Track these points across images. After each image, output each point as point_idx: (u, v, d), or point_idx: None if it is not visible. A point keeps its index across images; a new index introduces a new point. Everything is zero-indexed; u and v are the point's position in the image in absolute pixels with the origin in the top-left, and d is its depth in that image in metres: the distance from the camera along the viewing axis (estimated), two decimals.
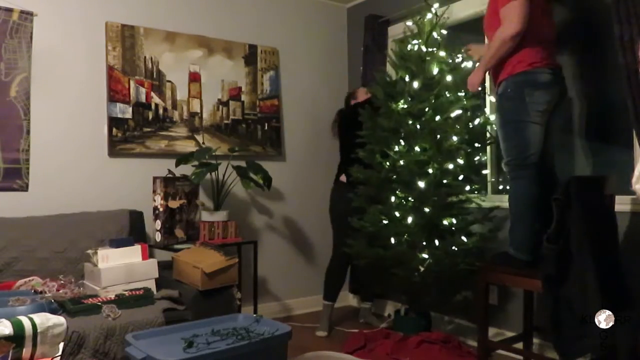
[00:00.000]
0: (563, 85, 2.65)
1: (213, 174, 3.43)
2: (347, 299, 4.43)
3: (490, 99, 3.45)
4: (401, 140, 3.21)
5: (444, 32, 3.34)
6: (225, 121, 3.90)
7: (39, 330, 1.95)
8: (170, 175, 3.38)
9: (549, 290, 2.27)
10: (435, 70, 3.23)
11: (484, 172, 3.41)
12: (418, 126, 3.18)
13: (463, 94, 3.17)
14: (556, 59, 2.69)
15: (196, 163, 3.37)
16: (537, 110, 2.52)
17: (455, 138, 3.11)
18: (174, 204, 3.29)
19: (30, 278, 2.66)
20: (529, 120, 2.53)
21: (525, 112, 2.53)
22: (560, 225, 2.24)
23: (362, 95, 3.75)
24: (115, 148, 3.40)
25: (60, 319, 2.07)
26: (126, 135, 3.44)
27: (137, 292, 2.56)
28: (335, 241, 3.66)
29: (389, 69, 3.68)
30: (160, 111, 3.60)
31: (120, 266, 2.65)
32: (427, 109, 3.19)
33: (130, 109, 3.46)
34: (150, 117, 3.55)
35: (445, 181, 3.15)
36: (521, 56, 2.54)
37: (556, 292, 2.24)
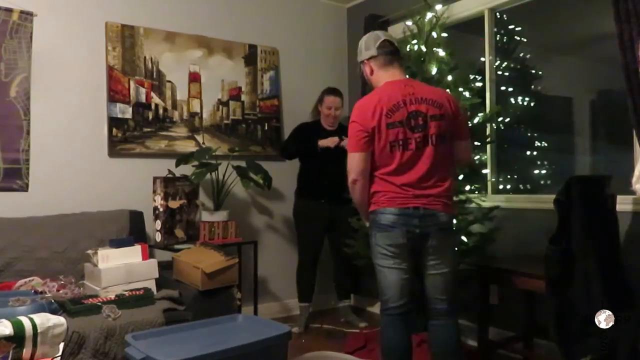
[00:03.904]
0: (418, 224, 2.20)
1: (213, 174, 3.43)
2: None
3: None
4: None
5: (445, 35, 3.34)
6: (225, 121, 3.89)
7: (39, 331, 1.95)
8: (170, 175, 3.38)
9: (553, 291, 2.26)
10: (434, 70, 3.23)
11: (484, 171, 3.41)
12: None
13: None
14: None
15: (196, 163, 3.37)
16: (381, 253, 2.23)
17: None
18: (174, 204, 3.29)
19: (30, 278, 2.66)
20: (377, 262, 2.27)
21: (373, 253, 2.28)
22: (562, 226, 2.23)
23: (327, 103, 3.75)
24: (115, 148, 3.40)
25: (60, 319, 2.07)
26: (126, 135, 3.44)
27: (137, 292, 2.56)
28: (299, 247, 3.80)
29: None
30: (160, 111, 3.60)
31: (120, 266, 2.65)
32: None
33: (130, 109, 3.46)
34: (150, 117, 3.55)
35: None
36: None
37: (560, 293, 2.24)
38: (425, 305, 2.31)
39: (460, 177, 3.21)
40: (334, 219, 3.65)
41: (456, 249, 3.09)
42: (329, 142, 3.55)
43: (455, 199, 3.22)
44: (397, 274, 2.22)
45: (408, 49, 3.31)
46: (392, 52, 2.30)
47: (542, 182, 3.88)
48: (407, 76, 3.23)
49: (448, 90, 3.20)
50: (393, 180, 2.19)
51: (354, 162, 2.22)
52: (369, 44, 2.31)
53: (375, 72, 2.32)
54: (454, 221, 2.70)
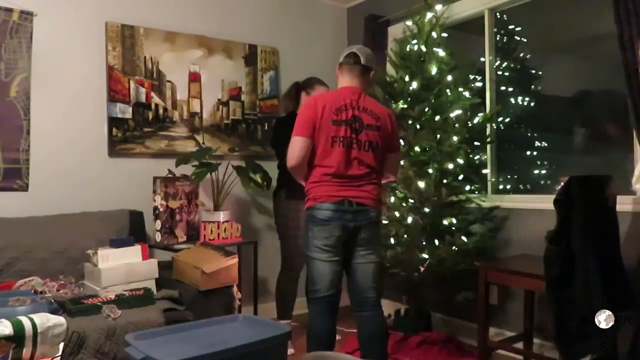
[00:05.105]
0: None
1: (213, 174, 3.43)
2: (347, 298, 4.43)
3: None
4: (401, 140, 3.21)
5: (445, 35, 3.34)
6: (225, 121, 3.89)
7: (39, 331, 1.95)
8: (170, 175, 3.38)
9: (553, 291, 2.26)
10: (434, 70, 3.23)
11: (484, 171, 3.41)
12: (418, 126, 3.18)
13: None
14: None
15: (196, 163, 3.37)
16: (316, 246, 2.38)
17: (455, 138, 3.11)
18: (174, 204, 3.29)
19: (30, 278, 2.66)
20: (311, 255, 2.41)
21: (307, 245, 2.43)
22: (562, 226, 2.23)
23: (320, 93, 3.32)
24: (115, 148, 3.40)
25: (60, 319, 2.07)
26: (126, 135, 3.44)
27: (137, 292, 2.56)
28: (287, 254, 3.44)
29: (389, 69, 3.68)
30: (160, 111, 3.60)
31: (120, 266, 2.65)
32: (426, 109, 3.19)
33: (130, 109, 3.46)
34: (150, 117, 3.55)
35: (445, 181, 3.15)
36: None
37: (560, 293, 2.24)
38: (355, 295, 2.46)
39: (460, 177, 3.21)
40: None
41: (456, 248, 3.11)
42: None
43: (455, 199, 3.22)
44: (330, 265, 2.38)
45: (408, 49, 3.32)
46: (353, 63, 2.48)
47: (542, 182, 3.87)
48: (408, 76, 3.26)
49: (448, 90, 3.21)
50: (330, 174, 2.35)
51: (297, 146, 2.36)
52: (342, 53, 2.54)
53: (339, 76, 2.55)
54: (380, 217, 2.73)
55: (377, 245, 2.48)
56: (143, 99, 3.52)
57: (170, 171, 3.42)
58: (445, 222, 3.15)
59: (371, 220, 2.40)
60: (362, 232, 2.38)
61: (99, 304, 2.39)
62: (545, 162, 3.81)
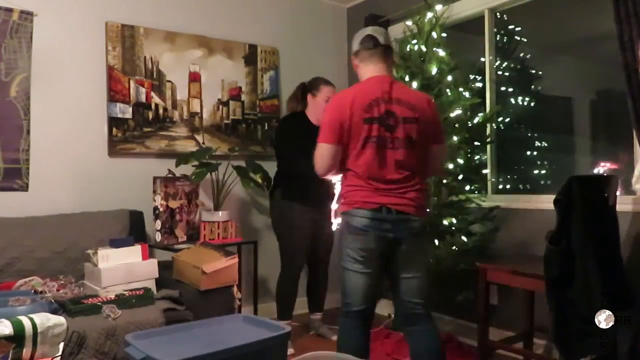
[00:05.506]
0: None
1: (213, 174, 3.43)
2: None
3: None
4: None
5: (444, 35, 3.34)
6: (225, 121, 3.89)
7: (39, 330, 1.94)
8: (170, 175, 3.38)
9: (553, 291, 2.26)
10: (434, 70, 3.23)
11: (484, 171, 3.41)
12: None
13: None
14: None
15: (196, 163, 3.37)
16: (350, 256, 2.15)
17: (455, 138, 3.11)
18: (174, 204, 3.29)
19: (30, 278, 2.66)
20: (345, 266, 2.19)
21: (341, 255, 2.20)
22: (562, 226, 2.23)
23: (326, 94, 3.36)
24: (115, 148, 3.40)
25: (60, 319, 2.07)
26: (126, 135, 3.44)
27: (137, 292, 2.56)
28: (286, 256, 3.44)
29: None
30: (160, 111, 3.60)
31: (120, 266, 2.64)
32: None
33: (130, 109, 3.46)
34: (150, 117, 3.55)
35: (445, 181, 3.15)
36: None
37: (560, 293, 2.24)
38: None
39: (460, 177, 3.21)
40: (318, 225, 3.37)
41: (456, 248, 3.10)
42: None
43: (455, 199, 3.22)
44: (363, 277, 2.16)
45: (408, 49, 3.31)
46: (373, 47, 2.21)
47: (542, 182, 3.88)
48: (408, 76, 3.26)
49: (448, 90, 3.21)
50: (364, 178, 2.11)
51: (324, 155, 2.14)
52: (355, 40, 2.27)
53: (358, 67, 2.28)
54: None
55: (423, 257, 2.26)
56: (143, 99, 3.52)
57: (170, 171, 3.42)
58: (445, 222, 3.15)
59: (414, 231, 2.13)
60: (404, 244, 2.13)
61: (99, 304, 2.39)
62: (545, 162, 3.82)
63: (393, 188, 2.11)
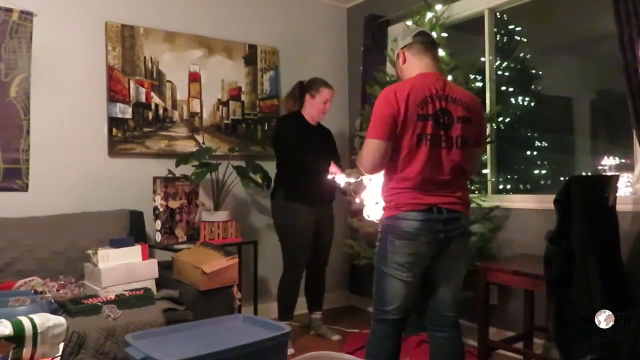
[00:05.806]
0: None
1: (213, 174, 3.43)
2: (348, 298, 4.43)
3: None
4: None
5: (444, 35, 3.33)
6: (225, 121, 3.89)
7: (39, 331, 1.94)
8: (170, 175, 3.38)
9: (553, 291, 2.26)
10: None
11: (484, 171, 3.41)
12: None
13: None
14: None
15: (196, 163, 3.37)
16: (396, 262, 2.07)
17: None
18: (174, 204, 3.29)
19: (30, 278, 2.66)
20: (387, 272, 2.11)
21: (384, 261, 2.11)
22: (562, 226, 2.23)
23: (325, 96, 3.40)
24: (115, 148, 3.40)
25: (60, 319, 2.06)
26: (126, 135, 3.44)
27: (137, 292, 2.56)
28: (289, 257, 3.43)
29: (389, 69, 3.68)
30: (160, 111, 3.60)
31: (120, 266, 2.65)
32: None
33: (130, 109, 3.46)
34: (150, 117, 3.55)
35: None
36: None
37: (560, 293, 2.24)
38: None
39: None
40: (320, 225, 3.41)
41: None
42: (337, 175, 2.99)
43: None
44: (408, 286, 2.10)
45: None
46: (427, 42, 2.15)
47: (542, 182, 3.88)
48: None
49: None
50: (415, 179, 2.02)
51: (374, 152, 2.01)
52: (406, 34, 2.19)
53: (408, 60, 2.16)
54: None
55: (467, 256, 2.21)
56: (143, 99, 3.52)
57: (170, 171, 3.42)
58: None
59: (462, 229, 2.10)
60: (453, 243, 2.08)
61: (99, 304, 2.39)
62: (545, 162, 3.82)
63: (442, 187, 2.05)
